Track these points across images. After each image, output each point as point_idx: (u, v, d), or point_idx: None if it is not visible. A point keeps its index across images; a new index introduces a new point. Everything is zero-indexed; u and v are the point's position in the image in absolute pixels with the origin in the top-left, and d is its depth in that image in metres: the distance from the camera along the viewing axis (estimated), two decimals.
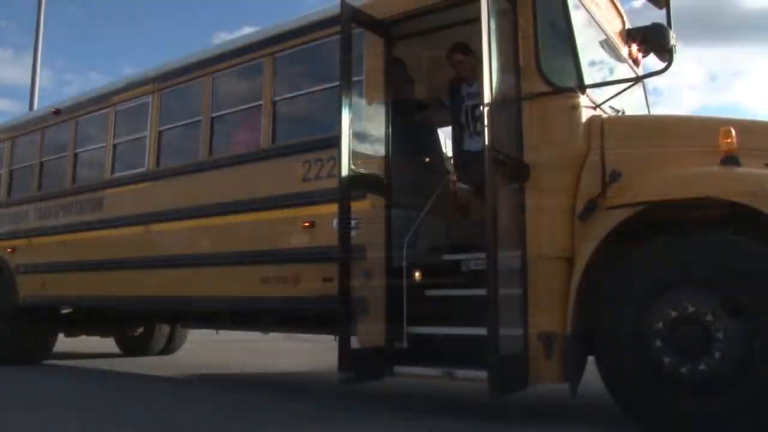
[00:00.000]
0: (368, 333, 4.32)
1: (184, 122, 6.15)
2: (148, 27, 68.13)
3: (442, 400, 4.93)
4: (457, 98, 4.94)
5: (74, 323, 7.89)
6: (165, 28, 71.19)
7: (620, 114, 4.34)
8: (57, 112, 7.50)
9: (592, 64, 4.36)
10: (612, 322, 3.47)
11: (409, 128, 4.95)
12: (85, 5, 61.34)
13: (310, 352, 9.37)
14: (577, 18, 4.13)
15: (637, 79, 4.43)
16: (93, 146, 7.02)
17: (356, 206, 4.17)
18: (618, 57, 4.78)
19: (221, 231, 5.38)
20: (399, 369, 4.13)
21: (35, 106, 14.09)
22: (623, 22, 4.97)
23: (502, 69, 3.84)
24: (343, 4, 4.23)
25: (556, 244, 3.71)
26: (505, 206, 3.71)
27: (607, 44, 4.63)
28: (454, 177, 5.04)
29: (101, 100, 6.94)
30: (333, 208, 4.09)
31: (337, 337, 3.99)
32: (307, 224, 4.75)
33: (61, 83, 62.62)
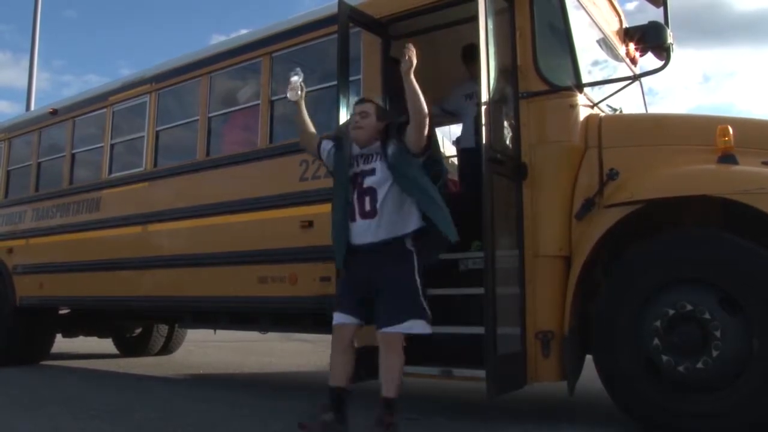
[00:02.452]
0: (366, 332, 4.31)
1: (182, 122, 6.15)
2: (145, 30, 68.23)
3: (440, 399, 4.93)
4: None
5: (72, 324, 7.88)
6: (163, 32, 71.30)
7: (618, 113, 4.34)
8: (54, 112, 7.48)
9: (590, 62, 4.36)
10: (609, 320, 3.47)
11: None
12: (83, 9, 61.46)
13: (308, 352, 9.36)
14: (575, 17, 4.12)
15: (635, 78, 4.43)
16: (90, 146, 7.01)
17: None
18: (615, 56, 4.78)
19: (219, 231, 5.37)
20: None
21: (32, 108, 14.06)
22: (621, 21, 4.97)
23: (500, 68, 3.85)
24: (340, 3, 4.23)
25: (554, 243, 3.71)
26: (502, 205, 3.71)
27: (604, 43, 4.63)
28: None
29: (98, 100, 6.93)
30: (330, 207, 4.07)
31: None
32: (305, 224, 4.74)
33: (60, 85, 62.76)
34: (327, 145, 3.64)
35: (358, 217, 3.35)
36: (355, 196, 3.35)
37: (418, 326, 3.22)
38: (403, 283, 3.26)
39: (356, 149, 3.47)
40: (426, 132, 3.29)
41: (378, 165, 3.35)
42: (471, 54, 4.92)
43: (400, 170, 3.28)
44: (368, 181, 3.33)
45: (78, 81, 68.74)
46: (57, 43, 55.66)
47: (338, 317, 3.41)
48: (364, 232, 3.32)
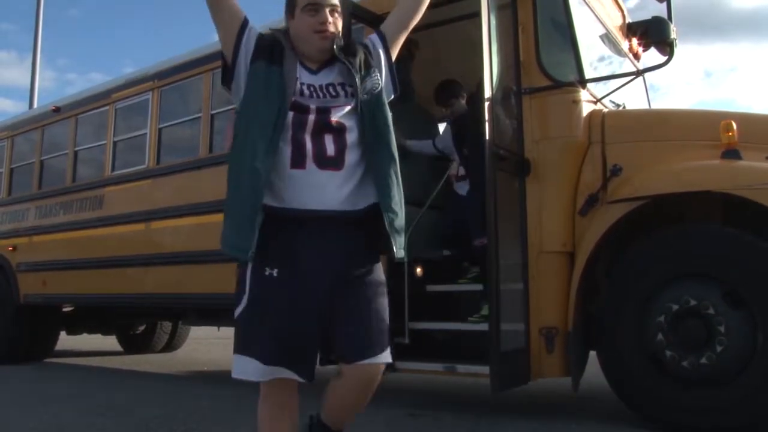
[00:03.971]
0: None
1: (184, 119, 6.14)
2: (149, 29, 68.35)
3: (445, 396, 4.94)
4: None
5: (76, 321, 7.91)
6: (166, 30, 71.45)
7: (621, 108, 4.33)
8: (57, 109, 7.49)
9: (593, 58, 4.35)
10: (613, 316, 3.47)
11: (409, 123, 4.94)
12: (87, 8, 61.70)
13: None
14: (578, 12, 4.11)
15: (638, 73, 4.42)
16: (93, 144, 7.01)
17: None
18: (618, 51, 4.77)
19: (221, 228, 5.37)
20: (401, 364, 4.12)
21: (35, 106, 14.07)
22: (623, 17, 4.96)
23: (502, 64, 3.84)
24: None
25: (557, 238, 3.71)
26: (505, 201, 3.71)
27: (607, 38, 4.62)
28: (454, 171, 4.99)
29: (101, 97, 6.93)
30: None
31: None
32: None
33: (64, 83, 63.24)
34: (252, 35, 2.12)
35: (311, 163, 2.01)
36: (309, 132, 2.04)
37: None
38: (382, 290, 2.15)
39: (306, 76, 2.10)
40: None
41: (348, 93, 2.10)
42: (449, 90, 4.83)
43: (373, 111, 2.12)
44: (337, 115, 2.07)
45: (82, 79, 69.25)
46: (61, 42, 56.08)
47: (268, 371, 2.06)
48: (321, 189, 2.02)
